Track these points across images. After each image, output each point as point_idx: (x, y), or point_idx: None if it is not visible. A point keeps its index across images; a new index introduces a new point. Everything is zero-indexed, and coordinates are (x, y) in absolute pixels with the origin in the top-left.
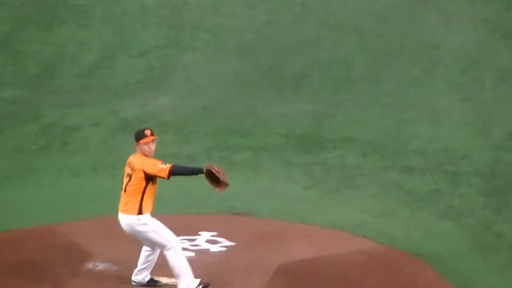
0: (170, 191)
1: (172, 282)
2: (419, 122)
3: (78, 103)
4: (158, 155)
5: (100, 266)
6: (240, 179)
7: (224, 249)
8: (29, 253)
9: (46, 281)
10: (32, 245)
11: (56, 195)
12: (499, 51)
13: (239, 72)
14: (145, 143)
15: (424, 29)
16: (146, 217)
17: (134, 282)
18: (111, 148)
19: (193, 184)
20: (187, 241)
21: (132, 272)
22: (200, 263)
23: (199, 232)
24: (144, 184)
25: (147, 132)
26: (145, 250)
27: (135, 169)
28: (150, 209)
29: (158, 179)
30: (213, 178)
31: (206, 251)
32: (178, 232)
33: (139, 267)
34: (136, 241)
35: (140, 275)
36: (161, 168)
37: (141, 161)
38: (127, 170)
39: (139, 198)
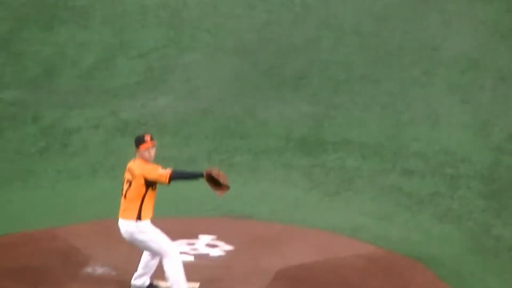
0: (169, 195)
1: None
2: (419, 124)
3: (77, 104)
4: (157, 158)
5: (100, 270)
6: (239, 182)
7: (223, 252)
8: (28, 257)
9: (46, 285)
10: (32, 249)
11: (56, 197)
12: (499, 52)
13: (239, 73)
14: (145, 149)
15: (423, 29)
16: (145, 224)
17: (134, 286)
18: (111, 149)
19: (192, 187)
20: (187, 245)
21: (132, 276)
22: (199, 267)
23: (199, 236)
24: (144, 190)
25: (147, 137)
26: (146, 255)
27: (135, 175)
28: (149, 215)
29: (158, 184)
30: (214, 182)
31: (206, 254)
32: (177, 235)
33: (139, 271)
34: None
35: (140, 280)
36: (161, 173)
37: (141, 166)
38: (127, 176)
39: (139, 204)
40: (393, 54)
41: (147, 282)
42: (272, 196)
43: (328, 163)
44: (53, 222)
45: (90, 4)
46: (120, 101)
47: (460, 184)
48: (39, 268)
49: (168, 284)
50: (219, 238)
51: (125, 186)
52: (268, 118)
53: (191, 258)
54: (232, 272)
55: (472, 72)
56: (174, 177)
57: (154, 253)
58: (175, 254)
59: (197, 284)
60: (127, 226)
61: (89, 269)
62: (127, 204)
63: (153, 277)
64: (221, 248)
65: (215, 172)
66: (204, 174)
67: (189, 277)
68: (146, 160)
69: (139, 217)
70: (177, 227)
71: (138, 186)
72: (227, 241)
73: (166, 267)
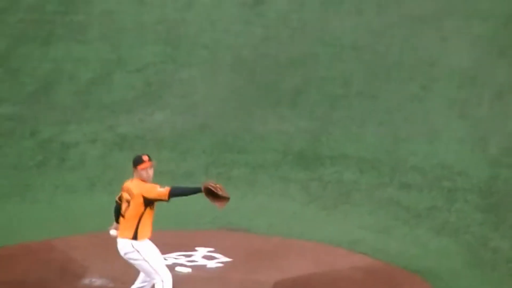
0: (167, 208)
1: None
2: (416, 139)
3: (75, 119)
4: (155, 172)
5: (97, 282)
6: (237, 195)
7: (220, 265)
8: (26, 269)
9: None
10: (29, 260)
11: (53, 212)
12: (496, 68)
13: (236, 88)
14: (143, 169)
15: (421, 45)
16: (140, 243)
17: None
18: (108, 164)
19: (190, 200)
20: (184, 257)
21: None
22: (196, 279)
23: (196, 248)
24: (142, 210)
25: (145, 157)
26: None
27: (134, 195)
28: (147, 234)
29: (155, 204)
30: (213, 195)
31: (203, 267)
32: (175, 247)
33: (136, 285)
34: None
35: None
36: (160, 191)
37: (140, 186)
38: (125, 196)
39: (136, 223)
40: (391, 70)
41: None
42: (270, 209)
43: (325, 177)
44: (50, 236)
45: (88, 20)
46: (117, 116)
47: (457, 198)
48: (37, 280)
49: None
50: (217, 250)
51: (124, 206)
52: (266, 132)
53: (189, 270)
54: (229, 284)
55: (469, 87)
56: (173, 193)
57: (147, 274)
58: (167, 278)
59: None
60: (123, 244)
61: (86, 281)
62: (125, 224)
63: None
64: (219, 260)
65: (212, 185)
66: (202, 188)
67: None
68: (144, 180)
69: (135, 237)
70: (174, 240)
71: (137, 206)
72: (225, 254)
73: None
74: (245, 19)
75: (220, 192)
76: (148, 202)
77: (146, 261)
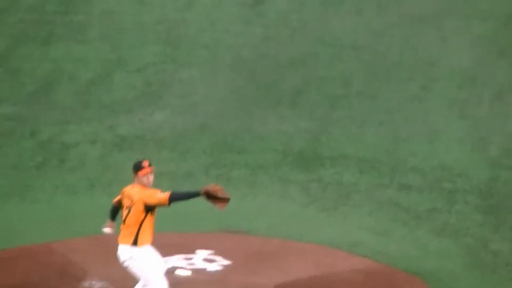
0: (167, 210)
1: None
2: (416, 139)
3: (75, 119)
4: (155, 173)
5: (97, 285)
6: (236, 197)
7: (220, 267)
8: (25, 272)
9: None
10: (29, 263)
11: (53, 212)
12: (496, 68)
13: (236, 88)
14: (143, 175)
15: (421, 45)
16: (139, 250)
17: None
18: (108, 164)
19: (190, 202)
20: (184, 260)
21: None
22: (196, 282)
23: (196, 251)
24: (143, 216)
25: (145, 163)
26: None
27: (135, 201)
28: (147, 241)
29: (156, 210)
30: (213, 197)
31: (203, 269)
32: (175, 250)
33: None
34: None
35: None
36: (160, 197)
37: (141, 192)
38: (126, 202)
39: (136, 229)
40: (391, 70)
41: None
42: (270, 211)
43: (325, 178)
44: (50, 237)
45: (88, 20)
46: (117, 116)
47: (457, 199)
48: (37, 283)
49: None
50: (217, 253)
51: (124, 212)
52: (266, 133)
53: (188, 273)
54: (230, 286)
55: (469, 87)
56: (173, 199)
57: (144, 281)
58: (160, 287)
59: None
60: (122, 250)
61: (86, 284)
62: (126, 230)
63: None
64: (219, 263)
65: (212, 189)
66: (202, 192)
67: None
68: (144, 186)
69: (135, 243)
70: (174, 242)
71: (137, 212)
72: (225, 256)
73: None
74: (245, 19)
75: (220, 194)
76: (149, 208)
77: (141, 266)
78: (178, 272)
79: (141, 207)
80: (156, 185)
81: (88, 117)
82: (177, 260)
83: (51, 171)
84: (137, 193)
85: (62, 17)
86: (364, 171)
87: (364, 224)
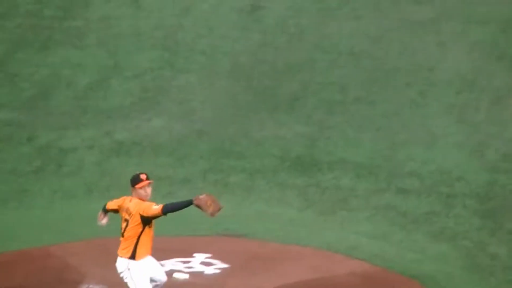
0: None
1: None
2: (414, 144)
3: (72, 125)
4: (152, 177)
5: (95, 287)
6: (234, 201)
7: (218, 271)
8: (23, 276)
9: None
10: (26, 267)
11: (51, 217)
12: (494, 73)
13: (234, 94)
14: (141, 188)
15: (419, 51)
16: (136, 263)
17: None
18: (106, 170)
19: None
20: (182, 263)
21: None
22: (194, 285)
23: (194, 254)
24: (141, 229)
25: (143, 176)
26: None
27: (132, 214)
28: (145, 253)
29: (154, 223)
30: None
31: (201, 273)
32: (172, 254)
33: None
34: None
35: None
36: (154, 209)
37: (138, 205)
38: (124, 215)
39: (134, 242)
40: (388, 75)
41: None
42: (267, 215)
43: (323, 183)
44: (48, 240)
45: (85, 25)
46: (115, 122)
47: (455, 203)
48: (36, 286)
49: None
50: (214, 256)
51: (123, 225)
52: (263, 138)
53: (186, 276)
54: None
55: (467, 92)
56: (166, 210)
57: None
58: None
59: None
60: (120, 263)
61: (84, 287)
62: (124, 243)
63: None
64: (216, 267)
65: (203, 205)
66: (194, 203)
67: None
68: (142, 199)
69: (132, 256)
70: (172, 246)
71: (135, 225)
72: (222, 260)
73: None
74: (242, 25)
75: (210, 210)
76: (146, 221)
77: (133, 279)
78: (176, 275)
79: (138, 220)
80: (154, 190)
81: (86, 123)
82: (174, 263)
83: (49, 176)
84: (135, 206)
85: (60, 23)
86: (362, 176)
87: (361, 228)
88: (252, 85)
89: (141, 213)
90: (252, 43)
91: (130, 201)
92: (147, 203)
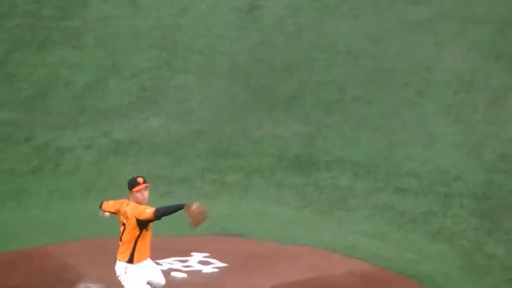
0: None
1: None
2: (412, 144)
3: (70, 124)
4: (150, 177)
5: (92, 287)
6: (232, 201)
7: (216, 270)
8: (21, 276)
9: None
10: (24, 267)
11: (48, 217)
12: (491, 73)
13: (232, 93)
14: (138, 191)
15: (416, 51)
16: (134, 267)
17: None
18: (103, 170)
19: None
20: (180, 262)
21: None
22: (192, 284)
23: (191, 253)
24: (137, 232)
25: (140, 180)
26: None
27: (129, 218)
28: (144, 257)
29: (151, 226)
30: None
31: (198, 272)
32: (170, 253)
33: None
34: None
35: None
36: (148, 213)
37: (134, 209)
38: (122, 219)
39: (132, 246)
40: (386, 75)
41: None
42: (265, 214)
43: (320, 182)
44: (46, 240)
45: (83, 25)
46: (112, 122)
47: (453, 203)
48: (34, 286)
49: None
50: (212, 256)
51: (121, 229)
52: (261, 137)
53: (184, 275)
54: None
55: (464, 92)
56: (158, 213)
57: None
58: None
59: None
60: (118, 267)
61: (82, 286)
62: (122, 247)
63: None
64: (214, 266)
65: (191, 214)
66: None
67: None
68: (139, 202)
69: (130, 260)
70: (170, 245)
71: (132, 228)
72: (220, 259)
73: None
74: (240, 24)
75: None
76: (142, 224)
77: (129, 283)
78: (174, 274)
79: (134, 224)
80: (152, 190)
81: (84, 123)
82: (172, 262)
83: (46, 176)
84: (131, 209)
85: (58, 23)
86: (360, 175)
87: (359, 227)
88: (250, 85)
89: (137, 216)
90: (250, 43)
91: (128, 204)
92: (142, 207)
